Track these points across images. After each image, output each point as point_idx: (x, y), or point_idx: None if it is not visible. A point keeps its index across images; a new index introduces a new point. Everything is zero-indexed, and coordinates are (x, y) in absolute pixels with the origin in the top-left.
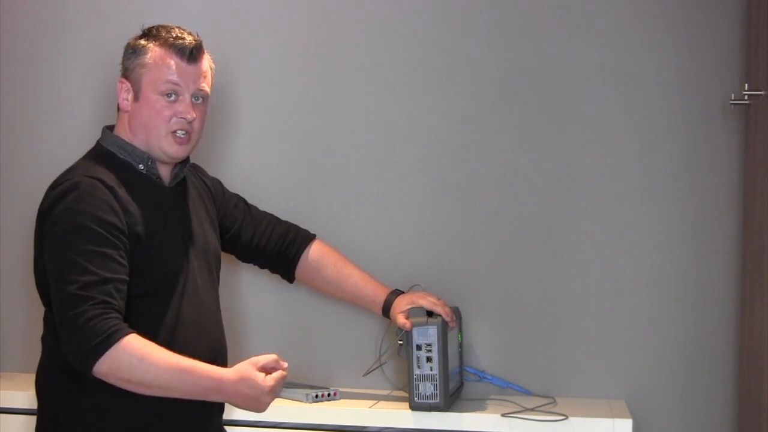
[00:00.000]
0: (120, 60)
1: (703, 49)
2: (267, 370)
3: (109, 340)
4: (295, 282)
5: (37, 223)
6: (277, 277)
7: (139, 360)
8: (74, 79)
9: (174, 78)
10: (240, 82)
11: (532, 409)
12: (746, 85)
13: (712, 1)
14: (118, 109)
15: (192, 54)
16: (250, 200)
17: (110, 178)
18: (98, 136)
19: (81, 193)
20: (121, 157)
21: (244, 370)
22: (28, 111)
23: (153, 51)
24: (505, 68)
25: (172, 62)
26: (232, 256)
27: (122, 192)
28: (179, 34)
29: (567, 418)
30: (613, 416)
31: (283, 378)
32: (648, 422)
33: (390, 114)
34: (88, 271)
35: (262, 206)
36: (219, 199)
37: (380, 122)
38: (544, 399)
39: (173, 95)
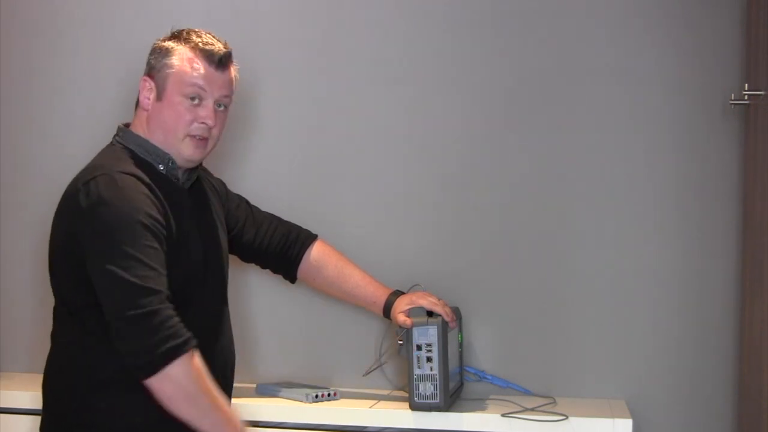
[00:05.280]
0: (120, 61)
1: (703, 49)
2: None
3: (186, 345)
4: (296, 282)
5: (65, 219)
6: (278, 277)
7: (201, 376)
8: (74, 79)
9: (200, 82)
10: (243, 84)
11: (532, 409)
12: (746, 85)
13: (712, 1)
14: (136, 106)
15: (221, 61)
16: (253, 201)
17: (140, 175)
18: (99, 136)
19: (124, 190)
20: (141, 156)
21: None
22: (28, 112)
23: (181, 53)
24: (505, 69)
25: (200, 66)
26: (234, 256)
27: (155, 189)
28: (210, 40)
29: (567, 418)
30: (613, 416)
31: None
32: (648, 422)
33: (391, 115)
34: (147, 265)
35: (264, 206)
36: (224, 199)
37: (381, 123)
38: (544, 399)
39: (197, 99)
